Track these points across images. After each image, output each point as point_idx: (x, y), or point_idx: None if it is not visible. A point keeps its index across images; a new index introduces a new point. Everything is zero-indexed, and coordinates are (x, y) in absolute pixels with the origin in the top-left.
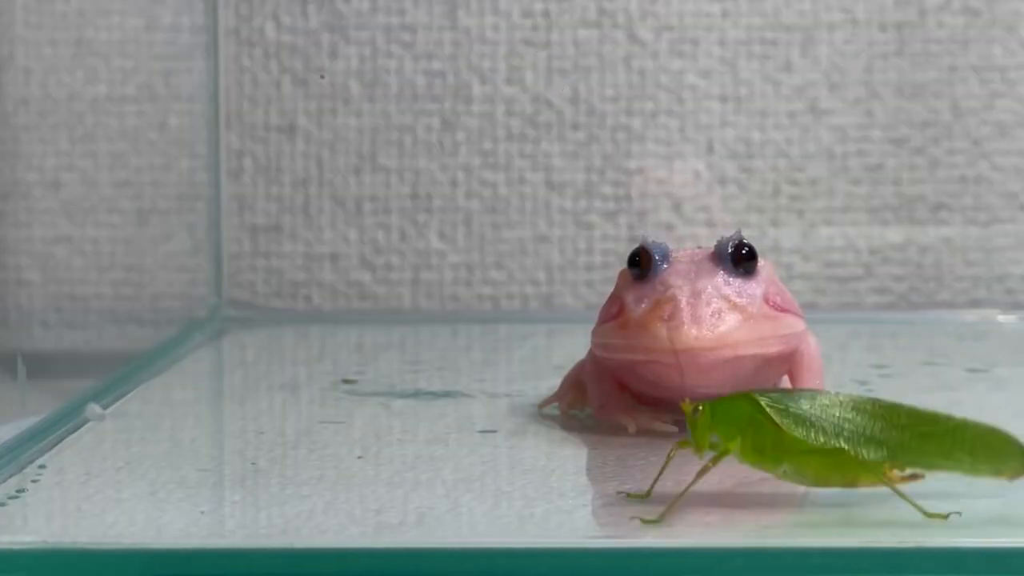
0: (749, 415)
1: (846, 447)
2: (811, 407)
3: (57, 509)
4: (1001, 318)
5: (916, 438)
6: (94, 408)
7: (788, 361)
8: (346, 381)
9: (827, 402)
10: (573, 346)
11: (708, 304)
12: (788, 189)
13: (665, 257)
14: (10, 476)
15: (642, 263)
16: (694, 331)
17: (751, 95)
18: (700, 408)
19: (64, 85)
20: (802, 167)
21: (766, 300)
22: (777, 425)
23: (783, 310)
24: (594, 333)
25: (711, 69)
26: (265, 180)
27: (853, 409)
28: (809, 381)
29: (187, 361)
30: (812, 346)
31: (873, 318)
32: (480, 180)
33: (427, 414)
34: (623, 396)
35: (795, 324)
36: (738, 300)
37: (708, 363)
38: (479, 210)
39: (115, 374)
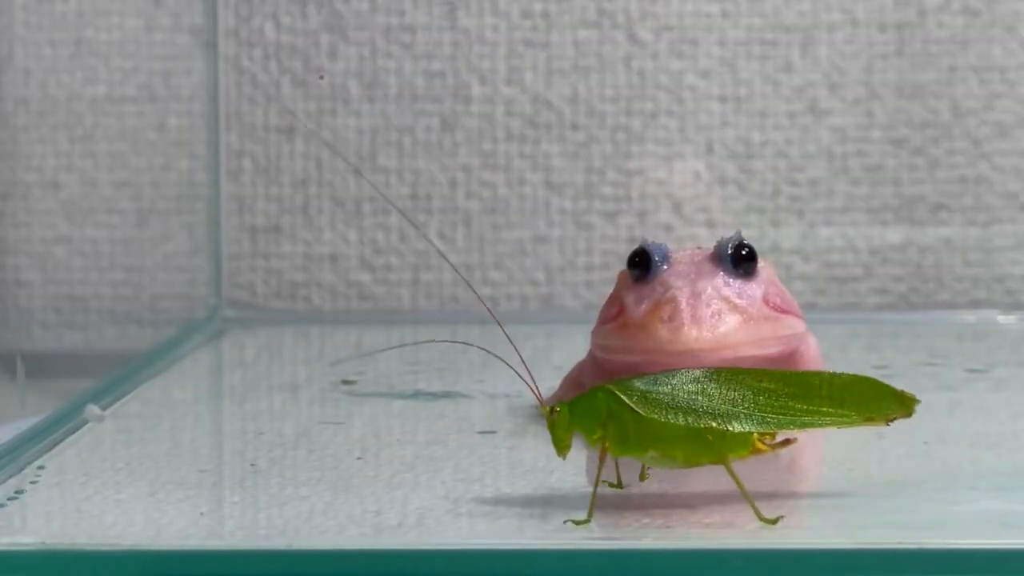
0: (607, 407)
1: (712, 423)
2: (670, 388)
3: (56, 510)
4: (1001, 318)
5: (783, 400)
6: (93, 409)
7: (788, 362)
8: (345, 382)
9: (686, 379)
10: (573, 347)
11: (708, 305)
12: (788, 189)
13: (665, 258)
14: (9, 477)
15: (641, 264)
16: (694, 332)
17: (751, 95)
18: (558, 409)
19: (63, 85)
20: (802, 167)
21: (766, 301)
22: (636, 413)
23: (783, 311)
24: (594, 334)
25: (711, 69)
26: (264, 180)
27: (715, 382)
28: None
29: (186, 362)
30: (812, 347)
31: (873, 318)
32: (480, 181)
33: (426, 415)
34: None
35: (795, 325)
36: (738, 301)
37: (708, 365)
38: (479, 211)
39: (114, 375)
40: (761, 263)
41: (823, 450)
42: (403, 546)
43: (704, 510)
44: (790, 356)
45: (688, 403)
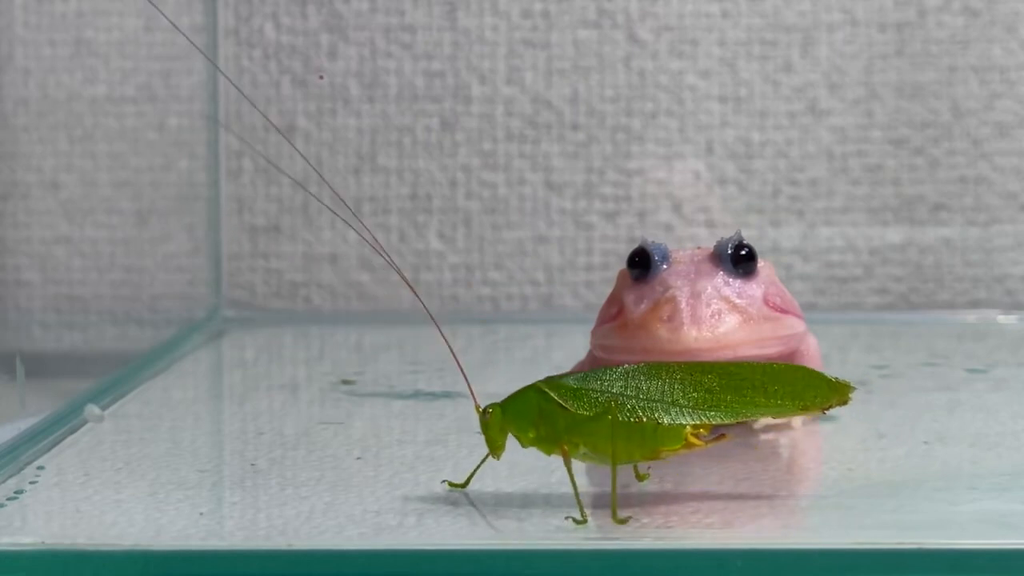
0: (538, 406)
1: (643, 418)
2: (600, 384)
3: (56, 510)
4: (1001, 318)
5: (716, 392)
6: (93, 409)
7: (789, 361)
8: (345, 382)
9: (617, 375)
10: (573, 346)
11: (708, 305)
12: (788, 190)
13: (665, 258)
14: (9, 477)
15: (641, 264)
16: (694, 332)
17: (751, 96)
18: (490, 410)
19: (63, 85)
20: (802, 167)
21: (766, 301)
22: (566, 410)
23: (783, 311)
24: (593, 334)
25: (711, 69)
26: (264, 181)
27: (646, 376)
28: None
29: (186, 362)
30: (812, 347)
31: (873, 318)
32: (480, 181)
33: (426, 415)
34: None
35: (795, 325)
36: (738, 301)
37: None
38: (479, 211)
39: (114, 375)
40: (761, 263)
41: (823, 450)
42: (403, 546)
43: (704, 510)
44: (789, 356)
45: (619, 398)
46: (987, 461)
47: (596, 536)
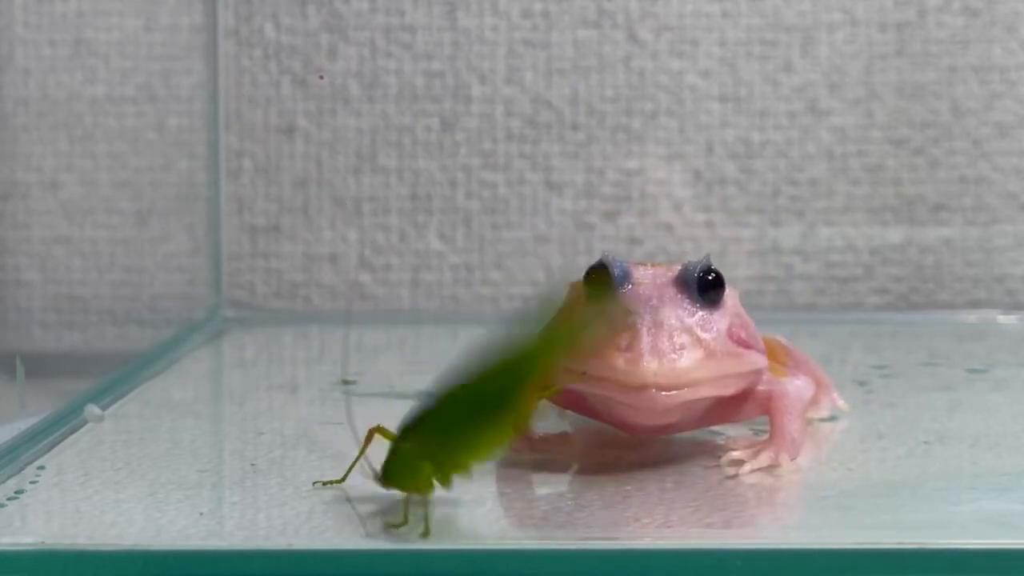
0: (411, 458)
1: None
2: (445, 419)
3: (56, 510)
4: (1001, 318)
5: (527, 364)
6: (93, 409)
7: (746, 399)
8: (345, 382)
9: (456, 396)
10: None
11: (670, 337)
12: (788, 190)
13: (626, 277)
14: (9, 477)
15: (601, 283)
16: (653, 365)
17: (751, 95)
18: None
19: (63, 85)
20: (802, 168)
21: (730, 334)
22: (418, 451)
23: (747, 346)
24: None
25: (711, 69)
26: (264, 181)
27: (467, 404)
28: (786, 422)
29: (186, 362)
30: (797, 387)
31: (873, 318)
32: (480, 180)
33: None
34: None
35: (757, 361)
36: (701, 335)
37: (663, 403)
38: (479, 211)
39: (114, 375)
40: (727, 290)
41: (823, 450)
42: (403, 546)
43: (704, 510)
44: (748, 393)
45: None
46: (987, 461)
47: (596, 536)
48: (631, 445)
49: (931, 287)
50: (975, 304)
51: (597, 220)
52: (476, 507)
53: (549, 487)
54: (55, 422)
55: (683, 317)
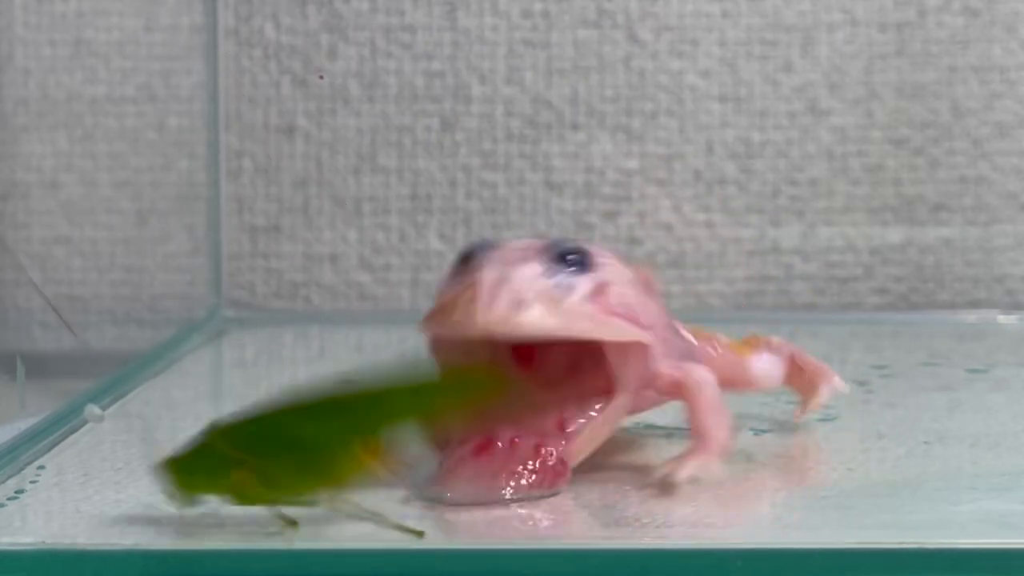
0: (209, 454)
1: (314, 457)
2: (273, 426)
3: (56, 510)
4: (1001, 318)
5: (389, 404)
6: (93, 409)
7: (647, 384)
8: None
9: (285, 413)
10: None
11: (511, 291)
12: (788, 190)
13: (489, 247)
14: (9, 477)
15: (466, 258)
16: (489, 314)
17: (751, 95)
18: (167, 463)
19: (63, 85)
20: (802, 167)
21: (597, 301)
22: (238, 457)
23: (621, 316)
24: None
25: (711, 69)
26: (264, 181)
27: (317, 411)
28: (709, 423)
29: (186, 362)
30: (707, 382)
31: (873, 318)
32: (480, 181)
33: None
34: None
35: (626, 332)
36: (552, 291)
37: (509, 343)
38: (479, 211)
39: (114, 375)
40: (608, 261)
41: (823, 450)
42: (403, 546)
43: (704, 510)
44: (623, 364)
45: (284, 438)
46: (987, 461)
47: (596, 536)
48: (631, 446)
49: (931, 287)
50: (975, 304)
51: (597, 220)
52: (475, 507)
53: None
54: (55, 422)
55: (529, 274)
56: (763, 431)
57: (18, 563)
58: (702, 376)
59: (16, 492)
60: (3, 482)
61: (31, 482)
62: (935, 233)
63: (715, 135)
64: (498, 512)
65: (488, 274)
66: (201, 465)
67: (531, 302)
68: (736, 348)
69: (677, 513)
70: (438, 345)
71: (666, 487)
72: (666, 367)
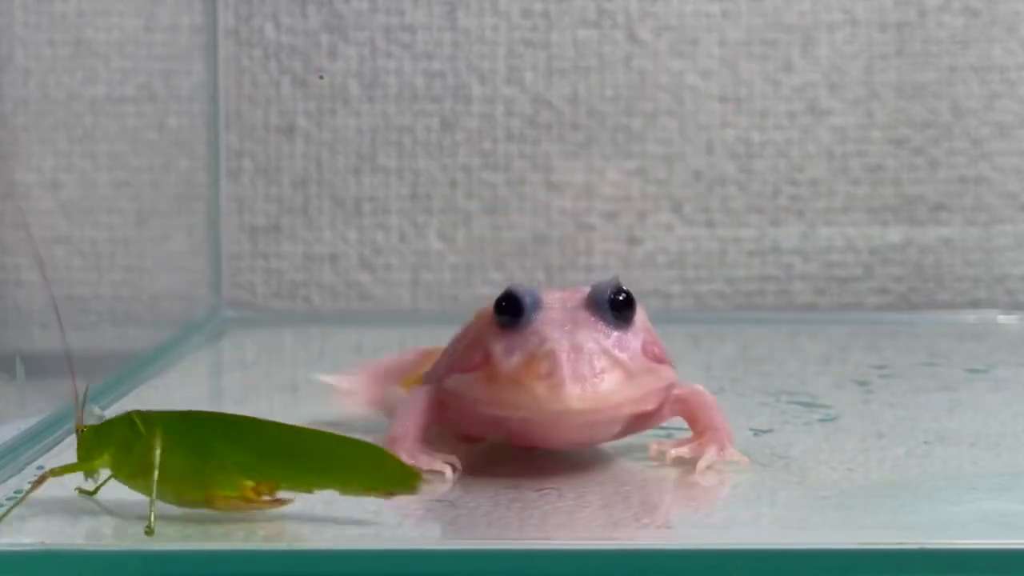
0: (123, 434)
1: (206, 468)
2: (184, 426)
3: (56, 510)
4: (1001, 319)
5: (285, 457)
6: (93, 409)
7: (661, 406)
8: None
9: (203, 420)
10: None
11: (589, 361)
12: (788, 189)
13: (537, 304)
14: (9, 477)
15: (511, 310)
16: (577, 390)
17: (751, 95)
18: (84, 430)
19: (63, 85)
20: (802, 167)
21: (644, 351)
22: (145, 443)
23: (660, 360)
24: (449, 380)
25: (711, 69)
26: (264, 181)
27: (226, 427)
28: (717, 418)
29: (186, 362)
30: (702, 389)
31: (873, 318)
32: (480, 181)
33: None
34: (423, 435)
35: (670, 375)
36: (618, 355)
37: (588, 423)
38: (479, 211)
39: (114, 375)
40: (637, 307)
41: (823, 450)
42: (404, 545)
43: (704, 510)
44: (665, 403)
45: (193, 442)
46: (987, 461)
47: (596, 536)
48: (629, 446)
49: (931, 287)
50: (975, 304)
51: (597, 220)
52: (474, 507)
53: (548, 487)
54: (55, 422)
55: (599, 340)
56: (763, 431)
57: (18, 563)
58: (695, 385)
59: (16, 492)
60: (3, 482)
61: (31, 482)
62: (935, 233)
63: (715, 135)
64: (498, 512)
65: (560, 344)
66: (111, 436)
67: (609, 372)
68: None
69: (677, 513)
70: (481, 408)
71: (690, 474)
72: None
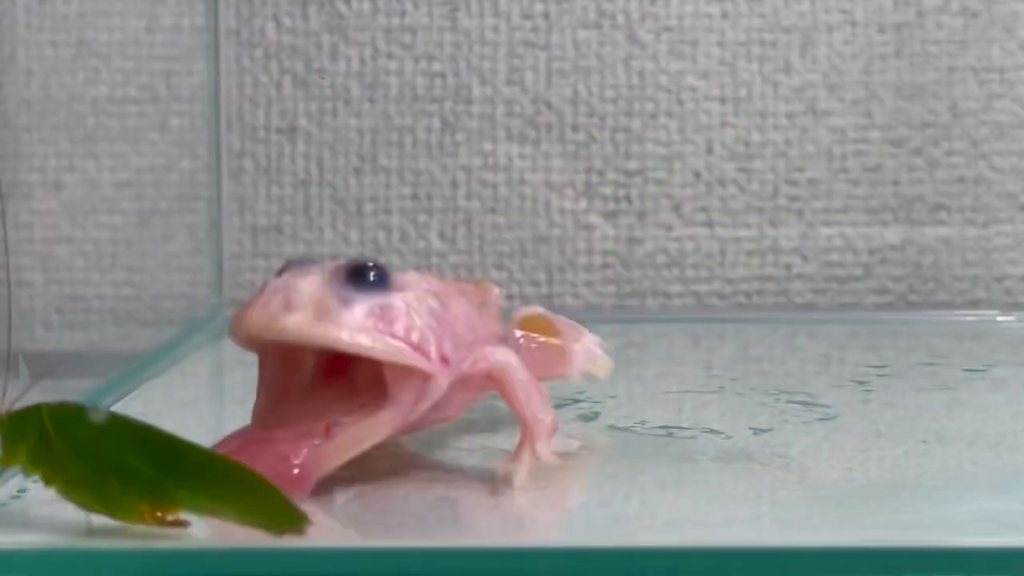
0: (36, 426)
1: (108, 476)
2: (94, 429)
3: (58, 510)
4: (1000, 318)
5: (187, 479)
6: (95, 408)
7: (461, 386)
8: None
9: (114, 426)
10: None
11: (288, 297)
12: (787, 190)
13: (299, 263)
14: (11, 477)
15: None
16: (253, 315)
17: (750, 96)
18: (3, 420)
19: (65, 86)
20: (801, 168)
21: (378, 319)
22: (58, 440)
23: (400, 339)
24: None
25: (711, 70)
26: (266, 181)
27: (135, 438)
28: (527, 409)
29: (188, 361)
30: (511, 364)
31: (872, 318)
32: (480, 181)
33: None
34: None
35: (403, 355)
36: (325, 301)
37: (270, 345)
38: (479, 211)
39: (116, 374)
40: (416, 284)
41: (823, 450)
42: (404, 545)
43: (704, 510)
44: (468, 383)
45: (103, 449)
46: (986, 461)
47: (596, 536)
48: (629, 446)
49: (930, 287)
50: (974, 304)
51: (597, 220)
52: (474, 507)
53: (547, 487)
54: None
55: (307, 285)
56: (762, 430)
57: (20, 563)
58: (504, 358)
59: (18, 492)
60: (6, 481)
61: (34, 482)
62: (934, 233)
63: (714, 136)
64: (498, 512)
65: (274, 282)
66: (20, 422)
67: (299, 308)
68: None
69: (677, 513)
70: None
71: (508, 484)
72: (468, 364)
